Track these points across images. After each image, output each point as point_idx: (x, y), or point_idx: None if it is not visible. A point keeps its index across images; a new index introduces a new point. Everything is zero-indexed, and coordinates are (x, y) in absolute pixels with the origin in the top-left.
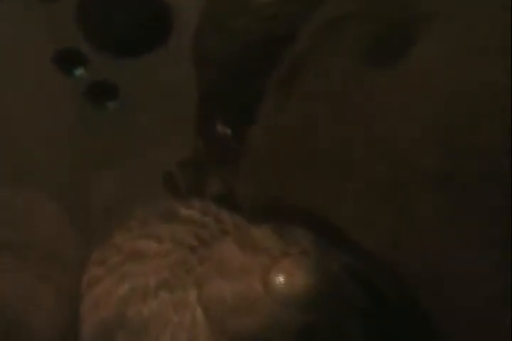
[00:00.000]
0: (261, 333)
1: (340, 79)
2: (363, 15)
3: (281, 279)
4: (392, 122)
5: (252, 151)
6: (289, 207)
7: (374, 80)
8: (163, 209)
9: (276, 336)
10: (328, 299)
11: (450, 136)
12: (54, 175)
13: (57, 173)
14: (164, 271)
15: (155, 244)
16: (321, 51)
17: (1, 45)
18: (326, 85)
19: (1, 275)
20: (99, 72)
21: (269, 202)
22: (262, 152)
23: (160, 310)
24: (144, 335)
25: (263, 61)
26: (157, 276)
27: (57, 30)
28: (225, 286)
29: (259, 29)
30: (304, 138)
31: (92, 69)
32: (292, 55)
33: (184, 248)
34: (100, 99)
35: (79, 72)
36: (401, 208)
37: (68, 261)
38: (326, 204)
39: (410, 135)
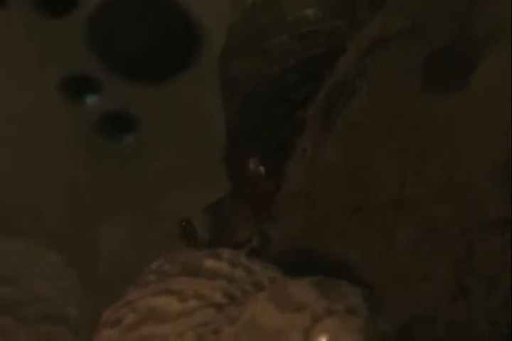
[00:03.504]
0: None
1: (390, 107)
2: (414, 35)
3: None
4: (451, 157)
5: (288, 191)
6: (331, 255)
7: (431, 109)
8: (185, 261)
9: None
10: None
11: None
12: (57, 223)
13: (61, 220)
14: (188, 332)
15: (176, 302)
16: (366, 76)
17: None
18: (373, 114)
19: None
20: (114, 100)
21: (307, 250)
22: (300, 192)
23: None
24: None
25: (301, 86)
26: (180, 339)
27: (64, 51)
28: None
29: (297, 49)
30: (348, 176)
31: (105, 96)
32: (333, 80)
33: (210, 306)
34: (115, 132)
35: (90, 100)
36: (465, 258)
37: (73, 322)
38: (373, 253)
39: (471, 172)
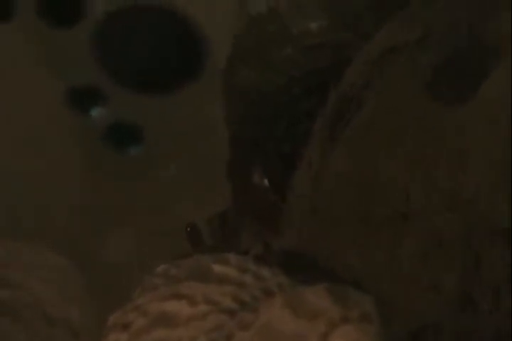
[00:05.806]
0: None
1: (398, 118)
2: (423, 45)
3: None
4: (457, 169)
5: (293, 203)
6: (336, 266)
7: (439, 120)
8: (192, 265)
9: None
10: None
11: None
12: (64, 229)
13: (67, 226)
14: (200, 337)
15: (187, 306)
16: (373, 87)
17: (3, 79)
18: (379, 126)
19: None
20: (119, 111)
21: (312, 261)
22: (305, 204)
23: None
24: None
25: (306, 98)
26: None
27: (70, 62)
28: None
29: (303, 61)
30: (354, 188)
31: (111, 108)
32: (340, 92)
33: (222, 311)
34: (121, 143)
35: (95, 112)
36: (471, 269)
37: (74, 325)
38: (380, 263)
39: (478, 184)
